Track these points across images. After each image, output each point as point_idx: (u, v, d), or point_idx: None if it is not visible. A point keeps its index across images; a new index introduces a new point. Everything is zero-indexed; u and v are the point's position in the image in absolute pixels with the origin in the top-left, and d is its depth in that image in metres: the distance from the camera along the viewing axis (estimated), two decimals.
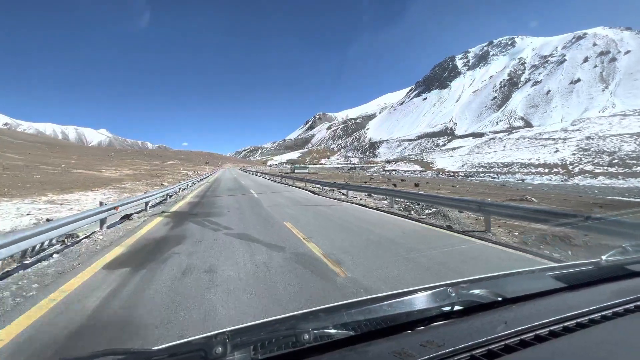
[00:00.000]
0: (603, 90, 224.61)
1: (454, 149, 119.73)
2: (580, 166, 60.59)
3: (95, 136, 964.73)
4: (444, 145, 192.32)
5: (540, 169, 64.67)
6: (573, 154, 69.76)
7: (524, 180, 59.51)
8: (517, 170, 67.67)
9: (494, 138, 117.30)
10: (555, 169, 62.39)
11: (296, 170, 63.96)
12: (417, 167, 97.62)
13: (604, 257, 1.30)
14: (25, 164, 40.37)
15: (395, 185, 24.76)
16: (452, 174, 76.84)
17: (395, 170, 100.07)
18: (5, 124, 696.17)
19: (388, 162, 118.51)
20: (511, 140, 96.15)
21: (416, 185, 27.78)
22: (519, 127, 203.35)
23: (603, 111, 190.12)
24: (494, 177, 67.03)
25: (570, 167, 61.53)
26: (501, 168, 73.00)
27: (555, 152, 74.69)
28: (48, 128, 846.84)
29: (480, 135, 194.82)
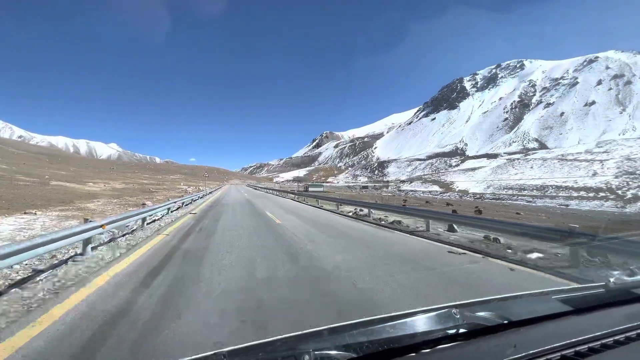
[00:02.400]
0: (621, 113, 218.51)
1: (473, 169, 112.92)
2: (632, 191, 53.35)
3: (106, 150, 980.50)
4: (457, 165, 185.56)
5: (583, 193, 57.46)
6: (616, 177, 62.62)
7: (567, 205, 52.27)
8: (554, 194, 60.48)
9: (517, 159, 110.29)
10: (601, 194, 55.16)
11: (310, 189, 57.85)
12: (436, 188, 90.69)
13: (612, 280, 1.27)
14: (2, 174, 34.99)
15: (455, 211, 18.36)
16: (478, 196, 69.77)
17: (412, 191, 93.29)
18: (20, 137, 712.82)
19: (403, 181, 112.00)
20: (538, 162, 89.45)
21: (479, 212, 21.37)
22: (534, 149, 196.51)
23: (623, 134, 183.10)
24: (530, 201, 59.87)
25: (620, 192, 54.30)
26: (535, 191, 65.84)
27: (593, 174, 67.57)
28: (60, 141, 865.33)
29: (495, 156, 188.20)
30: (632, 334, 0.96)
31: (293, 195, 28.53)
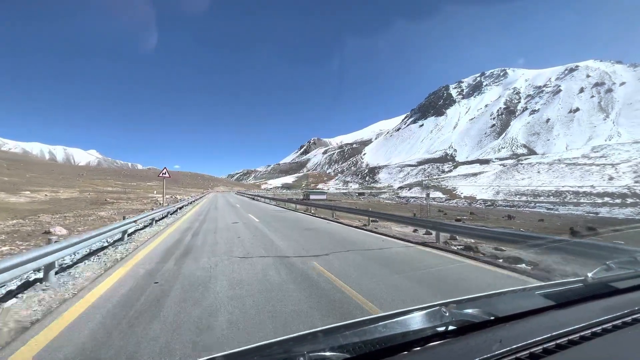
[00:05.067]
0: (604, 120, 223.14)
1: (475, 174, 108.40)
2: None
3: (84, 157, 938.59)
4: (449, 171, 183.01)
5: (607, 199, 52.59)
6: (636, 182, 58.45)
7: (597, 213, 46.89)
8: (575, 200, 55.35)
9: (522, 164, 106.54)
10: (629, 200, 50.30)
11: (312, 197, 50.17)
12: (439, 194, 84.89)
13: (589, 275, 1.32)
14: None
15: (577, 230, 11.35)
16: (489, 203, 63.98)
17: (413, 198, 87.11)
18: None
19: (401, 188, 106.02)
20: (544, 166, 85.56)
21: (593, 230, 14.76)
22: (523, 154, 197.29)
23: (609, 139, 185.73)
24: (551, 208, 54.46)
25: None
26: (551, 197, 60.72)
27: (609, 179, 63.38)
28: (35, 147, 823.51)
29: (487, 161, 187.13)
30: (608, 325, 1.02)
31: (302, 207, 20.85)
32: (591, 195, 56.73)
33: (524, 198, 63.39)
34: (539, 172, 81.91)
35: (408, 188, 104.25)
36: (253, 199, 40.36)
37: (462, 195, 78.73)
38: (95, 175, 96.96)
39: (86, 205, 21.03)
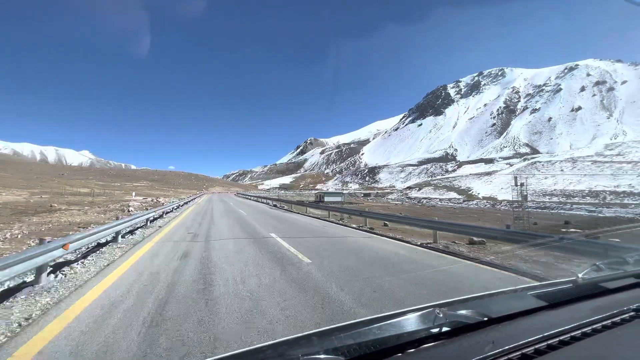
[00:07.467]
0: (608, 118, 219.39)
1: (489, 173, 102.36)
2: None
3: (77, 157, 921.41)
4: (453, 170, 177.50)
5: None
6: None
7: None
8: (619, 201, 49.12)
9: (538, 162, 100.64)
10: None
11: (326, 199, 42.48)
12: (454, 195, 78.44)
13: (580, 275, 1.34)
14: None
15: None
16: (516, 205, 57.28)
17: (425, 198, 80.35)
18: None
19: (410, 188, 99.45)
20: (567, 164, 79.72)
21: None
22: (527, 154, 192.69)
23: (615, 138, 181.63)
24: (592, 210, 48.05)
25: None
26: (587, 197, 54.45)
27: None
28: (26, 148, 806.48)
29: (491, 160, 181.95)
30: (598, 326, 1.04)
31: (346, 216, 13.76)
32: (633, 195, 50.65)
33: (554, 199, 57.07)
34: (562, 170, 76.05)
35: (417, 188, 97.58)
36: (275, 206, 25.79)
37: (480, 196, 72.28)
38: (78, 175, 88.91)
39: (7, 214, 13.70)
